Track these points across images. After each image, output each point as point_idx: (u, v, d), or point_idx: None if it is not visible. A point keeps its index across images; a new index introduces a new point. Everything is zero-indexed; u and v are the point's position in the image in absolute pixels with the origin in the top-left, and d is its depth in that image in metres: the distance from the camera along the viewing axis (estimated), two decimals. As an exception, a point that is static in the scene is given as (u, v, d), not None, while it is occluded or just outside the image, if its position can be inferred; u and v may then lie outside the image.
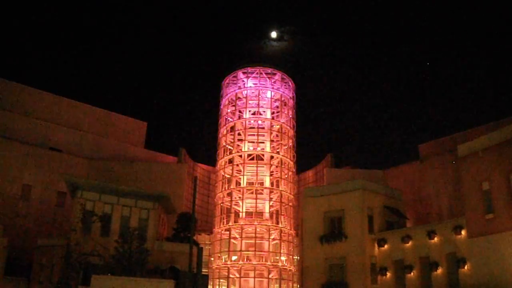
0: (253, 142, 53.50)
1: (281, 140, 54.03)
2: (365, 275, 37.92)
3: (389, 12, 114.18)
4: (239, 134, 54.34)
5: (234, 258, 49.09)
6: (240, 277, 47.98)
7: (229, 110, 55.56)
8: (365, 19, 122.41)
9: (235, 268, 48.38)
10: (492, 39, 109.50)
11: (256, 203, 50.77)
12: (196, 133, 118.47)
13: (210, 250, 52.33)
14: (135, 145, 59.48)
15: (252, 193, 51.09)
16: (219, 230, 50.90)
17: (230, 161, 53.31)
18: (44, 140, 51.34)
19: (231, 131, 54.53)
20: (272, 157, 53.26)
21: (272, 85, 55.22)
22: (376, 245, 39.19)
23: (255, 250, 48.69)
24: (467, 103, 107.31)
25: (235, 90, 55.26)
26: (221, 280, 49.68)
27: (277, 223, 51.30)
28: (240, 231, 49.47)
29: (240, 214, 51.15)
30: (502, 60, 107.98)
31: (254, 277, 47.96)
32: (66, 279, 34.98)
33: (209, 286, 44.39)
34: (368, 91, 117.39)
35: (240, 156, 52.67)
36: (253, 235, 49.07)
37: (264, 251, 49.26)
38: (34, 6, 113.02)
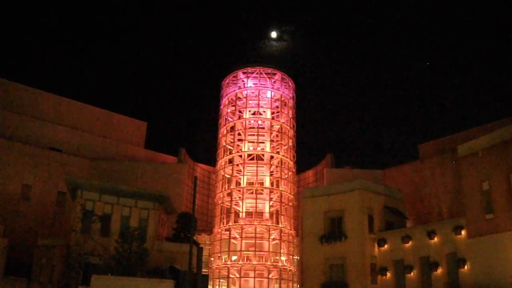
0: (253, 142, 53.49)
1: (281, 140, 54.03)
2: (365, 275, 37.92)
3: (389, 12, 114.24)
4: (239, 134, 54.34)
5: (234, 258, 49.09)
6: (240, 277, 47.98)
7: (229, 110, 55.57)
8: (365, 19, 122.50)
9: (235, 268, 48.37)
10: (492, 39, 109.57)
11: (256, 203, 50.76)
12: (196, 133, 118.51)
13: (210, 250, 52.32)
14: (135, 145, 59.49)
15: (252, 193, 51.09)
16: (219, 230, 50.90)
17: (230, 161, 53.31)
18: (44, 140, 51.35)
19: (231, 131, 54.53)
20: (272, 157, 53.26)
21: (272, 85, 55.23)
22: (376, 245, 39.20)
23: (255, 250, 48.68)
24: (467, 103, 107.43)
25: (235, 90, 55.25)
26: (221, 280, 49.68)
27: (277, 223, 51.30)
28: (240, 231, 49.47)
29: (240, 214, 51.15)
30: (502, 60, 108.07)
31: (254, 277, 47.96)
32: (66, 279, 35.04)
33: (209, 286, 44.44)
34: (368, 91, 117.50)
35: (240, 156, 52.68)
36: (253, 235, 49.06)
37: (264, 251, 49.26)
38: (34, 6, 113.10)
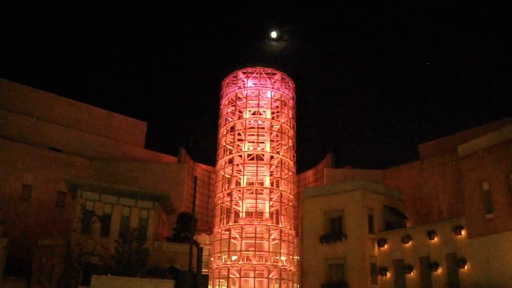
0: (253, 142, 53.49)
1: (281, 140, 54.02)
2: (365, 275, 37.92)
3: (389, 12, 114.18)
4: (239, 134, 54.34)
5: (234, 258, 49.09)
6: (240, 277, 47.97)
7: (229, 110, 55.56)
8: (365, 19, 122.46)
9: (235, 268, 48.37)
10: (492, 39, 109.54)
11: (256, 203, 50.75)
12: (196, 133, 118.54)
13: (210, 250, 52.30)
14: (135, 145, 59.47)
15: (252, 193, 51.09)
16: (219, 230, 50.90)
17: (230, 161, 53.31)
18: (44, 140, 51.34)
19: (231, 131, 54.53)
20: (272, 157, 53.25)
21: (272, 85, 55.22)
22: (376, 245, 39.20)
23: (255, 250, 48.68)
24: (467, 103, 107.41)
25: (235, 90, 55.25)
26: (221, 280, 49.67)
27: (277, 223, 51.30)
28: (240, 231, 49.47)
29: (240, 214, 51.14)
30: (502, 60, 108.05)
31: (254, 277, 47.95)
32: (66, 279, 35.03)
33: (209, 286, 44.38)
34: (368, 91, 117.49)
35: (240, 156, 52.68)
36: (253, 235, 49.05)
37: (264, 251, 49.25)
38: (34, 6, 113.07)
